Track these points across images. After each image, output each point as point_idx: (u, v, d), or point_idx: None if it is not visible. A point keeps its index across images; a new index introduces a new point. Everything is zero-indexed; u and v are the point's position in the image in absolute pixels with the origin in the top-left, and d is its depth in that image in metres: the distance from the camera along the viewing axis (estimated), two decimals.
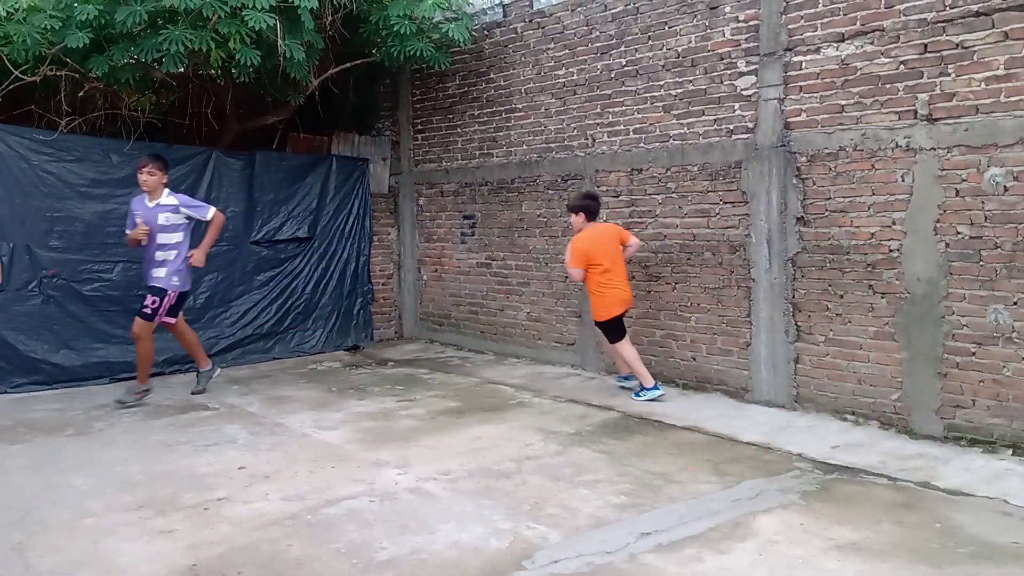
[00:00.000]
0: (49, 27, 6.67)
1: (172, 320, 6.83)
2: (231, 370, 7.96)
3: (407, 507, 4.33)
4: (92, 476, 4.91)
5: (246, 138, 8.82)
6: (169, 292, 6.61)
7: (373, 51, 8.27)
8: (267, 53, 6.99)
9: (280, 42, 6.87)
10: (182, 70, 7.25)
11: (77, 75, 7.22)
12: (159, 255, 6.64)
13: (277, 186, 8.60)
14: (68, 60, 7.00)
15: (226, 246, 8.24)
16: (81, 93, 7.53)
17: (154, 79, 7.73)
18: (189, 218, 6.74)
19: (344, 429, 5.86)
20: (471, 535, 3.94)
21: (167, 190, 6.72)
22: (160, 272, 6.63)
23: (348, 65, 8.42)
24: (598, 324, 6.59)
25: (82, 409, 6.54)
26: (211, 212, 6.82)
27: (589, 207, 6.57)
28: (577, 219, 6.57)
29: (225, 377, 7.64)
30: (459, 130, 8.82)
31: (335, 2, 7.46)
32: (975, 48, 5.05)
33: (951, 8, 5.13)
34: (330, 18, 7.59)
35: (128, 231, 6.70)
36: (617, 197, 7.19)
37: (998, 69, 4.97)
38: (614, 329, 6.49)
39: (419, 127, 9.36)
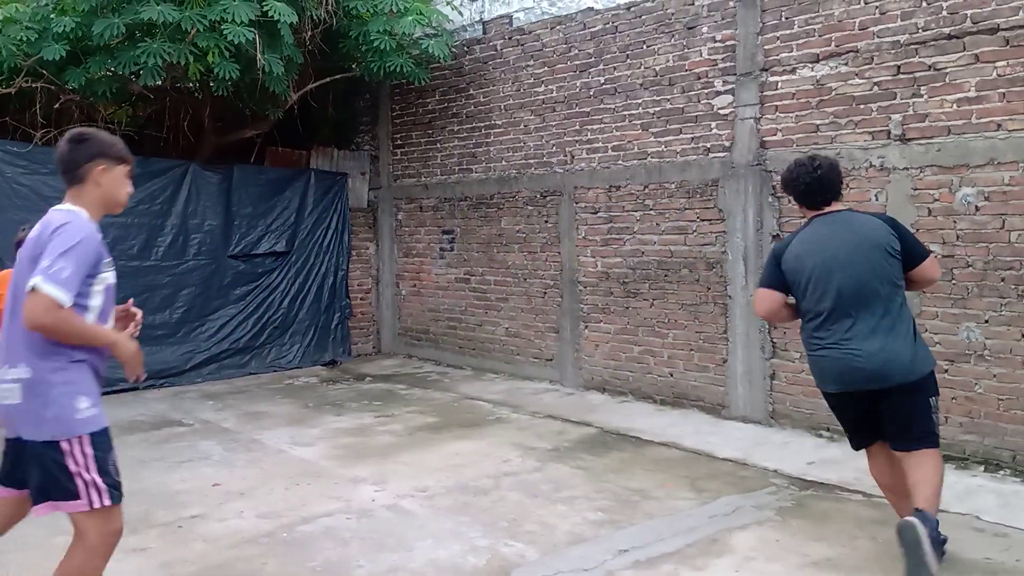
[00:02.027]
0: (25, 39, 6.65)
1: None
2: (206, 385, 7.90)
3: (384, 524, 4.31)
4: None
5: (224, 152, 8.79)
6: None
7: (353, 66, 8.29)
8: (246, 67, 6.98)
9: (259, 56, 6.87)
10: (160, 83, 7.23)
11: (53, 87, 7.19)
12: None
13: (255, 200, 8.57)
14: (44, 72, 6.97)
15: (204, 260, 8.20)
16: (57, 105, 7.49)
17: (131, 92, 7.70)
18: None
19: (321, 445, 5.83)
20: (449, 552, 3.93)
21: None
22: None
23: (328, 80, 8.44)
24: None
25: None
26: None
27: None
28: None
29: (200, 392, 7.59)
30: (439, 145, 8.84)
31: (315, 17, 7.47)
32: (947, 70, 5.14)
33: (923, 31, 5.23)
34: (310, 33, 7.60)
35: None
36: (595, 214, 7.23)
37: (969, 91, 5.06)
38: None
39: (399, 142, 9.38)
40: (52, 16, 6.73)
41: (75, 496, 2.74)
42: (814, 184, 3.71)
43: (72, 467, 2.74)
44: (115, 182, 2.94)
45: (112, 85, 7.19)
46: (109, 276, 2.90)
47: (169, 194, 8.02)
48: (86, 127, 3.18)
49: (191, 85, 7.92)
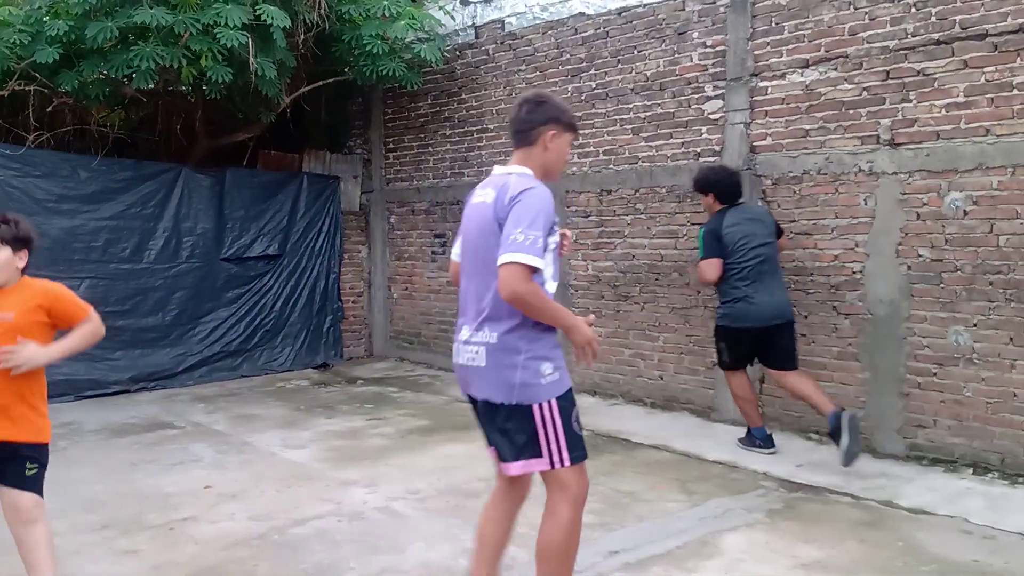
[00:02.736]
0: (18, 42, 6.64)
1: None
2: (198, 388, 7.89)
3: (376, 527, 4.32)
4: (55, 496, 4.80)
5: (216, 155, 8.79)
6: None
7: (345, 70, 8.30)
8: (239, 70, 6.99)
9: (252, 60, 6.87)
10: (152, 86, 7.23)
11: (46, 90, 7.18)
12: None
13: (247, 203, 8.57)
14: (37, 75, 6.96)
15: (196, 263, 8.20)
16: (49, 108, 7.47)
17: (124, 95, 7.68)
18: None
19: (312, 448, 5.84)
20: (440, 555, 3.94)
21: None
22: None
23: (320, 83, 8.44)
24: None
25: None
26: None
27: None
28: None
29: (192, 395, 7.58)
30: (431, 149, 8.86)
31: (308, 21, 7.48)
32: (936, 75, 5.19)
33: (912, 36, 5.27)
34: (302, 37, 7.61)
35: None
36: (587, 217, 7.25)
37: (958, 96, 5.11)
38: None
39: (391, 146, 9.39)
40: (45, 19, 6.73)
41: (539, 455, 2.85)
42: (736, 185, 5.52)
43: (540, 429, 2.84)
44: (561, 149, 3.03)
45: (105, 88, 7.19)
46: (555, 238, 2.92)
47: (161, 197, 8.01)
48: (541, 91, 3.13)
49: (184, 88, 7.94)
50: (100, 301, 7.44)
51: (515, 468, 2.91)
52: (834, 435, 4.98)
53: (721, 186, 5.47)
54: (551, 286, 2.89)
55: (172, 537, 4.20)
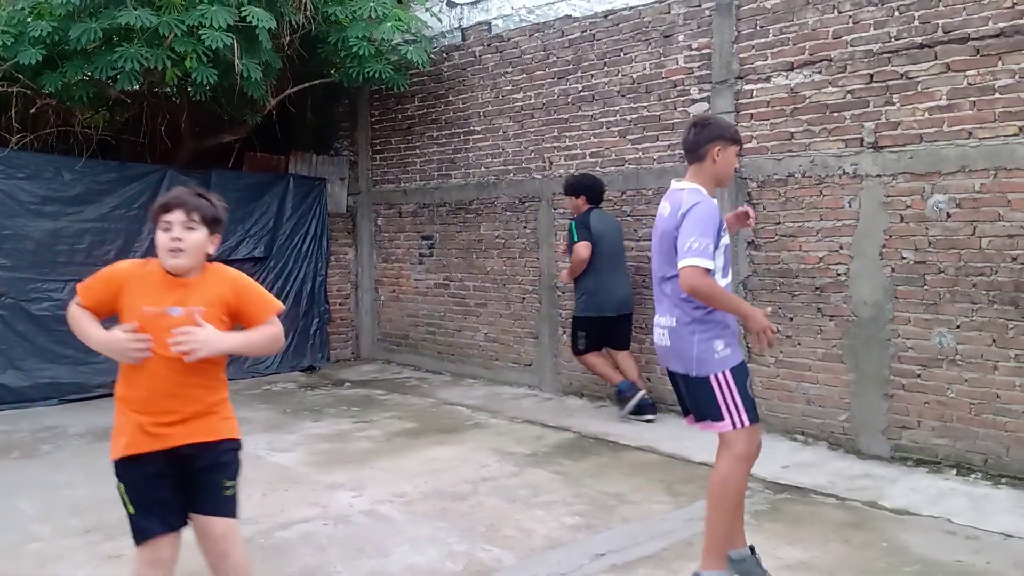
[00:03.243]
0: (1, 43, 6.58)
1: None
2: None
3: (362, 530, 4.31)
4: (39, 500, 4.82)
5: (202, 156, 8.76)
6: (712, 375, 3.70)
7: (332, 71, 8.29)
8: (224, 72, 6.96)
9: (237, 61, 6.85)
10: (137, 87, 7.20)
11: (29, 91, 7.13)
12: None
13: (233, 205, 8.41)
14: (20, 76, 6.92)
15: None
16: (33, 110, 7.43)
17: (108, 96, 7.64)
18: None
19: (298, 451, 5.82)
20: (426, 558, 3.94)
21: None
22: None
23: (306, 85, 8.43)
24: None
25: (29, 431, 6.41)
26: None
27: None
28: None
29: None
30: (418, 151, 8.85)
31: (293, 22, 7.46)
32: (919, 79, 5.22)
33: (896, 40, 5.31)
34: (288, 38, 7.59)
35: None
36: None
37: (941, 99, 5.14)
38: None
39: (378, 148, 9.38)
40: (28, 20, 6.69)
41: (721, 418, 3.43)
42: (602, 190, 6.67)
43: (719, 396, 3.42)
44: (728, 160, 3.55)
45: (89, 90, 7.15)
46: (725, 239, 3.54)
47: (146, 199, 7.95)
48: (707, 114, 3.93)
49: (169, 90, 7.91)
50: None
51: (701, 427, 3.55)
52: (620, 399, 6.47)
53: (592, 190, 6.60)
54: (723, 280, 3.48)
55: None
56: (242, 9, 6.77)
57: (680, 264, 3.36)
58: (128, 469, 2.75)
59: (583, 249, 6.36)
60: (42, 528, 4.37)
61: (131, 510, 2.72)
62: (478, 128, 8.15)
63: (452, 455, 5.66)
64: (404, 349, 9.18)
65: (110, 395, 7.49)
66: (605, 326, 6.53)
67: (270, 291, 9.08)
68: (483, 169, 8.13)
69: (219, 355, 2.77)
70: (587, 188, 6.61)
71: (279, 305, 2.92)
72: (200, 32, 6.56)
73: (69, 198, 7.53)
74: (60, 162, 7.61)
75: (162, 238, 2.77)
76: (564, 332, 7.36)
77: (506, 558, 3.94)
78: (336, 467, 5.42)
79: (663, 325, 3.57)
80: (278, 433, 6.31)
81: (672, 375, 3.66)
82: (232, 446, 2.89)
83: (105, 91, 7.40)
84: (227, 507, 2.83)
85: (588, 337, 6.57)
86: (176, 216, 2.75)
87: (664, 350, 3.61)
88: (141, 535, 2.73)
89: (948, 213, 5.12)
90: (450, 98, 8.43)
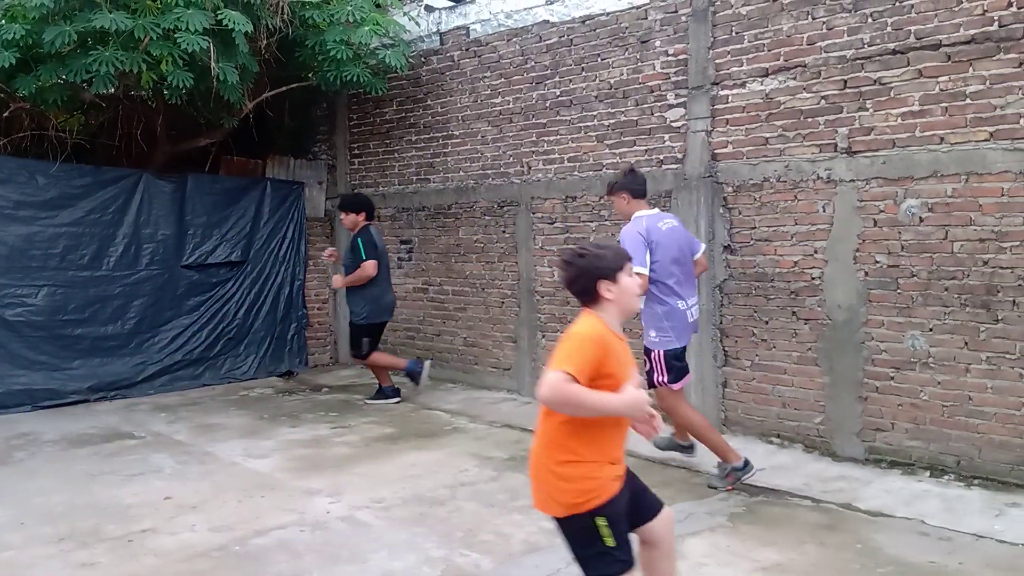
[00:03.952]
0: None
1: (677, 386, 5.09)
2: (159, 397, 7.79)
3: (339, 536, 4.29)
4: (11, 507, 4.76)
5: (178, 160, 8.69)
6: (653, 351, 5.03)
7: (309, 75, 8.26)
8: (200, 75, 6.92)
9: (213, 65, 6.82)
10: (112, 91, 7.14)
11: (2, 95, 7.07)
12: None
13: (209, 209, 8.48)
14: None
15: (156, 270, 8.10)
16: (6, 113, 7.35)
17: (83, 100, 7.57)
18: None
19: (275, 457, 5.79)
20: (404, 564, 3.93)
21: (640, 214, 5.20)
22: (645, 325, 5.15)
23: (284, 89, 8.39)
24: None
25: (2, 438, 6.33)
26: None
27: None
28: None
29: (152, 404, 7.49)
30: (396, 155, 8.84)
31: (270, 26, 7.43)
32: (892, 84, 5.28)
33: (869, 46, 5.36)
34: (265, 42, 7.56)
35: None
36: (552, 224, 7.28)
37: (913, 105, 5.20)
38: None
39: (356, 151, 9.35)
40: (2, 23, 6.61)
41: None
42: (374, 207, 7.67)
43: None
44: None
45: (63, 93, 7.08)
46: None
47: (121, 203, 7.91)
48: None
49: (144, 93, 7.84)
50: (58, 309, 7.41)
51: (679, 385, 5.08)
52: (413, 376, 7.45)
53: (371, 206, 7.45)
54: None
55: (131, 549, 4.14)
56: (218, 12, 6.74)
57: (700, 254, 5.38)
58: (612, 507, 2.77)
59: (372, 268, 7.13)
60: (14, 536, 4.32)
61: (612, 543, 2.76)
62: (457, 132, 8.16)
63: (430, 460, 5.66)
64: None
65: (85, 401, 7.44)
66: (382, 328, 7.53)
67: (247, 296, 9.11)
68: (462, 173, 8.13)
69: None
70: (366, 205, 7.41)
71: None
72: (176, 35, 6.52)
73: (43, 202, 7.46)
74: (34, 166, 7.54)
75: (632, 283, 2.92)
76: (544, 336, 7.38)
77: (484, 563, 3.94)
78: (313, 473, 5.39)
79: (696, 303, 5.20)
80: (255, 439, 6.27)
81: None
82: None
83: (80, 94, 7.34)
84: (659, 500, 3.07)
85: (372, 341, 7.33)
86: None
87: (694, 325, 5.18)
88: (622, 567, 2.78)
89: (920, 218, 5.18)
90: (428, 102, 8.42)
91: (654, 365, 4.99)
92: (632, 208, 5.23)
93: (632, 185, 5.23)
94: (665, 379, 4.98)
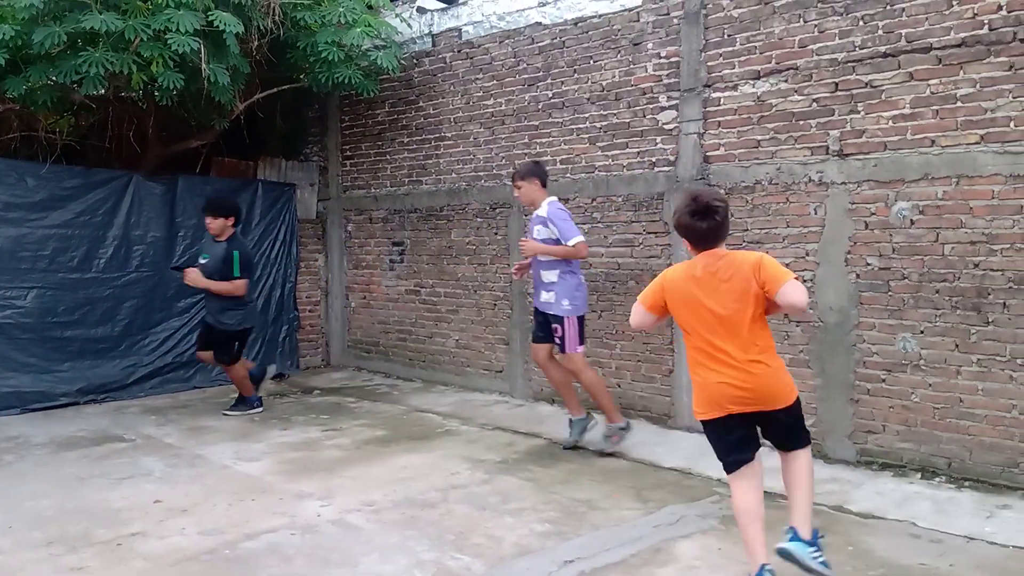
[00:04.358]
0: None
1: (579, 349, 5.78)
2: (149, 399, 7.76)
3: (329, 540, 4.27)
4: (0, 511, 4.73)
5: (169, 162, 8.65)
6: (566, 318, 5.69)
7: (301, 77, 8.23)
8: (191, 76, 6.89)
9: (204, 66, 6.79)
10: (102, 92, 7.11)
11: None
12: (544, 276, 5.80)
13: (200, 211, 8.43)
14: None
15: (147, 272, 8.07)
16: None
17: (73, 101, 7.53)
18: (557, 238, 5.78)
19: (266, 460, 5.76)
20: (394, 567, 3.92)
21: (549, 198, 5.89)
22: (548, 296, 5.78)
23: (275, 90, 8.36)
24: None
25: None
26: (574, 241, 5.67)
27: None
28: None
29: (142, 407, 7.45)
30: (388, 157, 8.82)
31: (262, 27, 7.41)
32: (883, 87, 5.29)
33: (860, 49, 5.38)
34: (256, 43, 7.53)
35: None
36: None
37: (904, 108, 5.22)
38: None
39: (348, 153, 9.34)
40: None
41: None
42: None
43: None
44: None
45: (53, 94, 7.04)
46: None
47: (111, 205, 7.86)
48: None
49: (134, 95, 7.80)
50: (47, 311, 7.37)
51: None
52: (254, 380, 7.34)
53: (239, 212, 7.15)
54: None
55: (120, 553, 4.11)
56: (209, 14, 6.71)
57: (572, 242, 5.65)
58: None
59: (244, 288, 6.89)
60: (2, 541, 4.29)
61: None
62: (449, 134, 8.15)
63: (422, 463, 5.64)
64: (375, 356, 9.14)
65: (75, 404, 7.41)
66: (250, 334, 7.42)
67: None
68: (454, 175, 8.12)
69: None
70: (236, 210, 7.04)
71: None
72: (166, 36, 6.49)
73: (32, 204, 7.42)
74: (23, 168, 7.49)
75: None
76: None
77: (475, 566, 3.92)
78: (304, 476, 5.37)
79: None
80: (245, 442, 6.24)
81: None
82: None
83: (70, 96, 7.30)
84: None
85: (239, 347, 7.18)
86: None
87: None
88: None
89: (912, 220, 5.19)
90: (420, 104, 8.41)
91: (566, 332, 5.70)
92: (542, 195, 5.92)
93: (543, 174, 6.03)
94: (578, 345, 5.73)
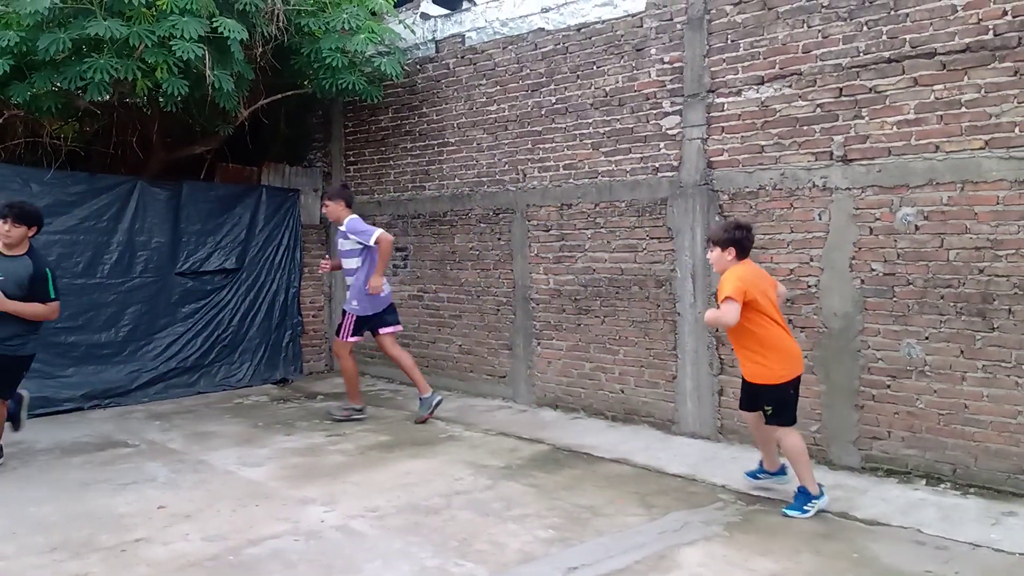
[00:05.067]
0: None
1: (357, 338, 7.10)
2: (153, 405, 7.76)
3: (333, 546, 4.27)
4: (4, 517, 4.73)
5: (173, 168, 8.68)
6: (349, 314, 7.03)
7: (305, 83, 8.25)
8: (195, 83, 6.91)
9: (208, 72, 6.81)
10: (107, 98, 7.13)
11: None
12: (347, 279, 7.13)
13: (204, 216, 8.46)
14: None
15: (151, 277, 8.08)
16: (0, 121, 7.33)
17: (77, 107, 7.55)
18: (361, 244, 6.93)
19: (270, 466, 5.76)
20: (398, 573, 3.91)
21: (350, 216, 7.04)
22: (348, 295, 7.12)
23: (279, 96, 8.38)
24: (768, 391, 4.68)
25: None
26: (373, 237, 6.85)
27: (741, 242, 4.74)
28: (722, 256, 4.75)
29: (146, 412, 7.45)
30: (392, 163, 8.83)
31: (266, 34, 7.43)
32: (887, 93, 5.29)
33: (864, 54, 5.37)
34: (260, 49, 7.55)
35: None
36: (547, 231, 7.27)
37: (909, 113, 5.21)
38: (788, 404, 4.70)
39: (351, 159, 9.35)
40: None
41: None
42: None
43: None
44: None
45: (58, 100, 7.05)
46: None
47: (116, 211, 7.88)
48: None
49: (139, 101, 7.83)
50: None
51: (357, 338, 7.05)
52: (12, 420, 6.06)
53: (41, 220, 5.81)
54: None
55: (124, 559, 4.11)
56: (213, 20, 6.73)
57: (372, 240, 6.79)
58: None
59: (56, 312, 5.79)
60: (6, 546, 4.29)
61: None
62: (452, 140, 8.15)
63: (425, 468, 5.63)
64: (378, 361, 9.12)
65: (79, 409, 7.40)
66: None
67: (242, 303, 9.12)
68: (457, 181, 8.12)
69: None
70: (39, 218, 5.75)
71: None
72: (171, 43, 6.52)
73: None
74: (28, 173, 7.51)
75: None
76: (539, 344, 7.37)
77: (479, 573, 3.91)
78: (308, 482, 5.37)
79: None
80: (249, 447, 6.24)
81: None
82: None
83: (74, 102, 7.32)
84: None
85: (22, 377, 6.07)
86: None
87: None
88: None
89: (916, 226, 5.18)
90: (424, 110, 8.43)
91: (345, 324, 7.02)
92: (346, 213, 7.02)
93: (349, 197, 7.21)
94: (348, 336, 7.02)
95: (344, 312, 7.09)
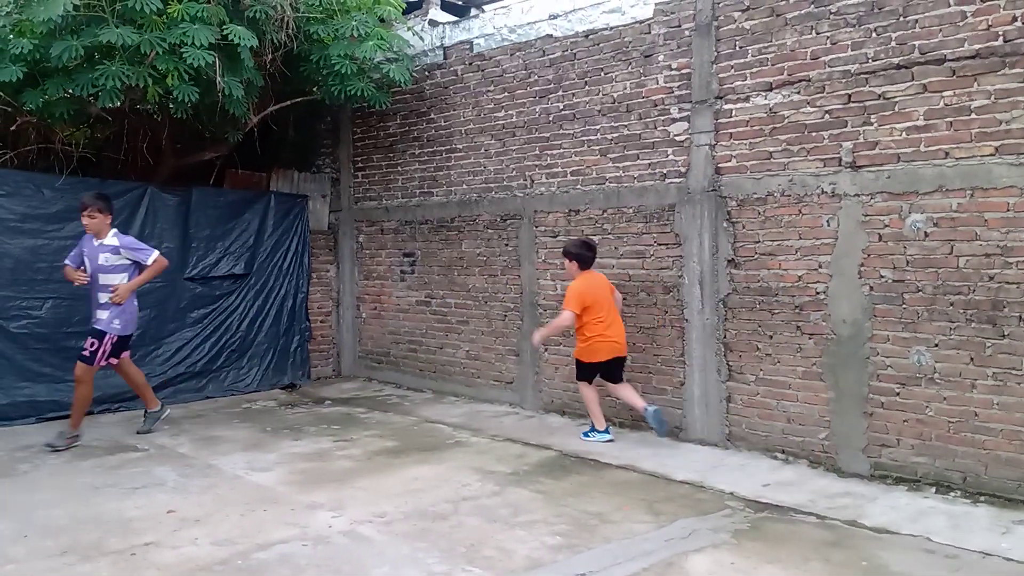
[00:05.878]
0: None
1: (115, 361, 6.68)
2: None
3: (341, 551, 4.27)
4: (14, 520, 4.75)
5: (183, 173, 8.72)
6: (109, 335, 6.50)
7: (314, 89, 8.29)
8: (206, 89, 6.95)
9: (219, 79, 6.84)
10: (118, 105, 7.17)
11: (9, 109, 7.09)
12: (102, 297, 6.54)
13: (213, 222, 8.50)
14: (1, 94, 6.87)
15: (160, 282, 8.08)
16: (13, 127, 7.38)
17: (89, 114, 7.60)
18: (132, 260, 6.62)
19: (278, 470, 5.77)
20: None
21: (114, 230, 6.67)
22: (103, 314, 6.53)
23: (288, 103, 8.42)
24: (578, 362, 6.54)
25: (6, 450, 6.32)
26: (152, 257, 6.67)
27: (583, 256, 6.44)
28: (571, 266, 6.48)
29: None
30: (400, 169, 8.86)
31: (275, 41, 7.47)
32: (896, 99, 5.28)
33: (873, 61, 5.37)
34: (270, 56, 7.59)
35: (68, 263, 6.72)
36: (555, 237, 7.28)
37: (918, 120, 5.20)
38: (586, 370, 6.49)
39: (360, 165, 9.38)
40: (10, 38, 6.66)
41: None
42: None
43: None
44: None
45: (70, 107, 7.10)
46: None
47: (126, 216, 7.91)
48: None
49: (150, 107, 7.87)
50: (62, 322, 7.41)
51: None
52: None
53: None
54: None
55: (133, 563, 4.12)
56: (224, 27, 6.77)
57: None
58: None
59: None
60: (16, 549, 4.31)
61: None
62: (460, 146, 8.17)
63: (433, 474, 5.63)
64: (385, 367, 9.15)
65: (89, 413, 7.41)
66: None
67: (250, 308, 9.18)
68: (465, 187, 8.14)
69: None
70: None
71: None
72: (182, 50, 6.56)
73: (49, 215, 7.48)
74: (40, 179, 7.56)
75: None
76: (546, 350, 7.37)
77: None
78: (316, 487, 5.38)
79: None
80: (257, 452, 6.26)
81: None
82: None
83: (86, 108, 7.36)
84: None
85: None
86: None
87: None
88: None
89: (926, 232, 5.16)
90: (432, 116, 8.45)
91: (103, 347, 6.46)
92: (108, 228, 6.63)
93: (112, 207, 6.78)
94: (104, 360, 6.53)
95: (100, 333, 6.47)
